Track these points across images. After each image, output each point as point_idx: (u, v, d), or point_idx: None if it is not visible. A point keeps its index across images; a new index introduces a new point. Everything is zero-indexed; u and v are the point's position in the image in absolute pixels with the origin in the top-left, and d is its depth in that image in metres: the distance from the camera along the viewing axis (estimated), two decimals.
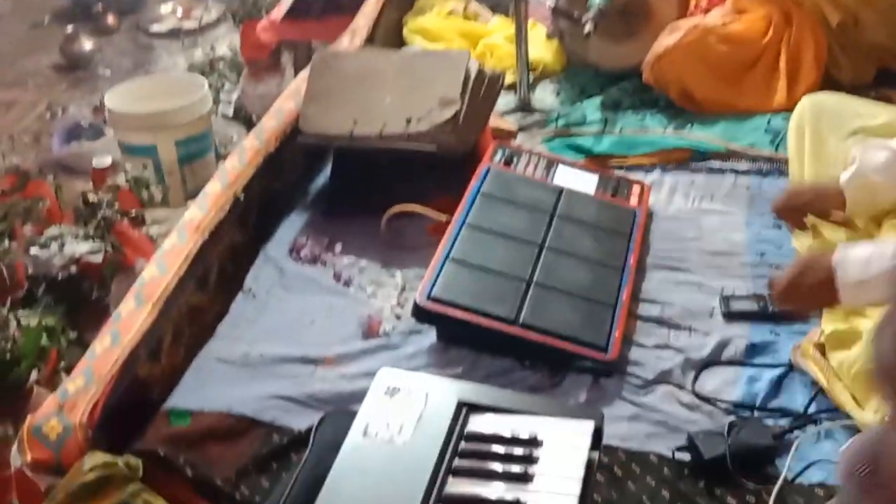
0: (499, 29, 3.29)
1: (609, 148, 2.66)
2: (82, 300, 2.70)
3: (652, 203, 2.40)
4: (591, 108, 2.87)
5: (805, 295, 1.70)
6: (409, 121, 2.40)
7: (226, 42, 4.64)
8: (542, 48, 3.15)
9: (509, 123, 2.83)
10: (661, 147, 2.63)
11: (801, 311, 1.84)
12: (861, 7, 2.74)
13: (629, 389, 1.84)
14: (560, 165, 2.45)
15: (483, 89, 2.51)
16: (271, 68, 3.90)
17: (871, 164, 1.90)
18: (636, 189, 2.40)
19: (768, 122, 2.64)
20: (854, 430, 1.67)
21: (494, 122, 2.70)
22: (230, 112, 3.98)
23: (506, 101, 2.93)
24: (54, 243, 2.73)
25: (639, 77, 2.85)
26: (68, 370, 2.28)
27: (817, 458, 1.64)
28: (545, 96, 3.03)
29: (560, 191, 2.32)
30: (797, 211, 2.00)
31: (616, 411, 1.78)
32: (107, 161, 3.13)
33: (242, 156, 2.41)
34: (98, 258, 2.70)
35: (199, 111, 3.28)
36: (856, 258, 1.66)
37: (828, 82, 2.69)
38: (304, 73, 2.68)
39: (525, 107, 2.95)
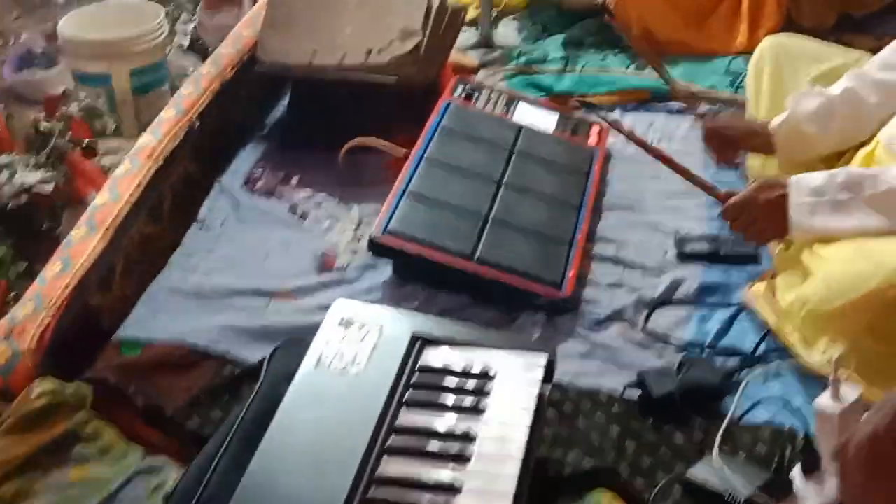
0: None
1: (570, 87, 2.64)
2: (33, 231, 2.66)
3: (611, 143, 2.40)
4: (553, 46, 2.85)
5: (758, 212, 1.72)
6: (369, 52, 2.37)
7: None
8: None
9: (471, 59, 2.80)
10: (622, 87, 2.62)
11: (752, 233, 1.85)
12: None
13: (582, 327, 1.85)
14: (520, 102, 2.43)
15: (445, 22, 2.48)
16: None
17: (802, 111, 1.92)
18: (595, 129, 2.39)
19: (729, 64, 2.65)
20: (802, 370, 1.70)
21: (455, 57, 2.67)
22: (186, 43, 3.90)
23: (467, 36, 2.90)
24: (5, 171, 2.68)
25: (602, 15, 2.83)
26: (17, 301, 2.26)
27: (765, 397, 1.65)
28: (507, 33, 3.00)
29: (520, 128, 2.31)
30: (726, 142, 2.02)
31: (569, 348, 1.79)
32: (60, 89, 3.07)
33: (198, 83, 2.38)
34: (49, 188, 2.65)
35: (155, 40, 3.21)
36: (809, 183, 1.69)
37: (789, 27, 2.68)
38: (263, 1, 2.63)
39: (487, 43, 2.92)
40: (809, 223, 1.70)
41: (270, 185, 2.27)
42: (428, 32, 2.40)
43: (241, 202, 2.21)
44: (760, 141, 1.98)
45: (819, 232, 1.71)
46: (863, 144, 1.92)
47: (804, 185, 1.71)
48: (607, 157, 2.35)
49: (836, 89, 1.94)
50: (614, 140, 2.41)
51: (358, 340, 1.48)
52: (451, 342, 1.51)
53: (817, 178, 1.72)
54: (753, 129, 2.01)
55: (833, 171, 1.76)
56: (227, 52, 2.51)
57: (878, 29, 2.77)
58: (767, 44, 2.18)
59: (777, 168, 2.03)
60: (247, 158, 2.36)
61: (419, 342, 1.50)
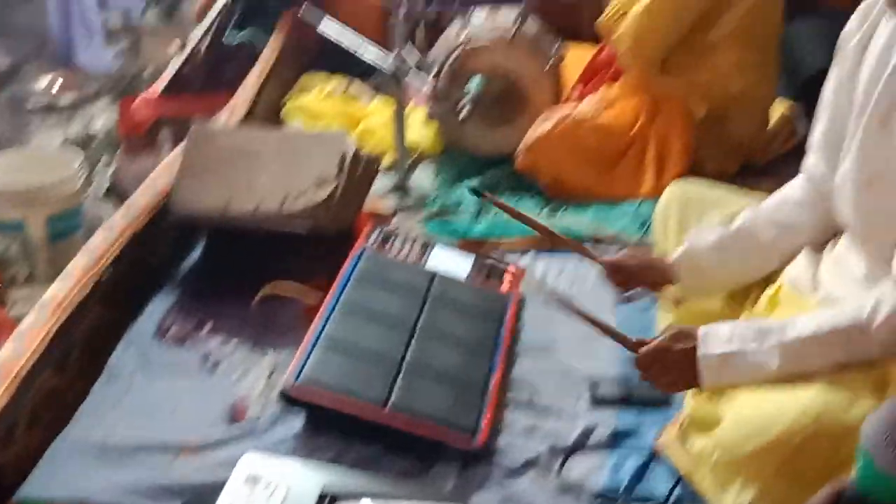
0: (379, 110, 3.31)
1: (483, 231, 2.69)
2: None
3: (524, 288, 2.43)
4: (468, 192, 2.90)
5: (670, 363, 1.73)
6: (284, 200, 2.39)
7: (103, 117, 4.57)
8: (421, 130, 3.19)
9: (386, 205, 2.84)
10: (534, 232, 2.67)
11: (663, 383, 1.86)
12: (727, 102, 2.85)
13: (497, 476, 1.83)
14: (435, 248, 2.46)
15: (360, 170, 2.52)
16: (148, 145, 3.84)
17: (700, 244, 1.97)
18: (509, 274, 2.42)
19: (637, 209, 2.71)
20: None
21: (371, 203, 2.71)
22: (104, 189, 3.90)
23: (384, 182, 2.94)
24: None
25: (515, 161, 2.91)
26: None
27: None
28: (423, 179, 3.06)
29: (434, 274, 2.33)
30: (627, 276, 2.05)
31: (484, 498, 1.77)
32: None
33: (111, 231, 2.36)
34: None
35: (71, 187, 3.21)
36: (719, 335, 1.70)
37: (694, 173, 2.77)
38: (180, 149, 2.65)
39: (403, 189, 2.96)
40: (718, 376, 1.72)
41: (182, 333, 2.24)
42: (343, 180, 2.43)
43: (152, 352, 2.17)
44: (660, 273, 2.02)
45: (729, 383, 1.73)
46: (768, 283, 1.96)
47: (714, 337, 1.72)
48: (521, 302, 2.38)
49: (733, 225, 1.99)
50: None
51: (265, 498, 1.46)
52: (362, 496, 1.49)
53: (726, 329, 1.73)
54: (655, 262, 2.05)
55: (741, 321, 1.79)
56: (141, 199, 2.50)
57: (780, 171, 2.84)
58: (672, 190, 2.24)
59: (688, 318, 2.06)
60: (159, 306, 2.33)
61: (328, 498, 1.47)
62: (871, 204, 1.71)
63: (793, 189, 1.96)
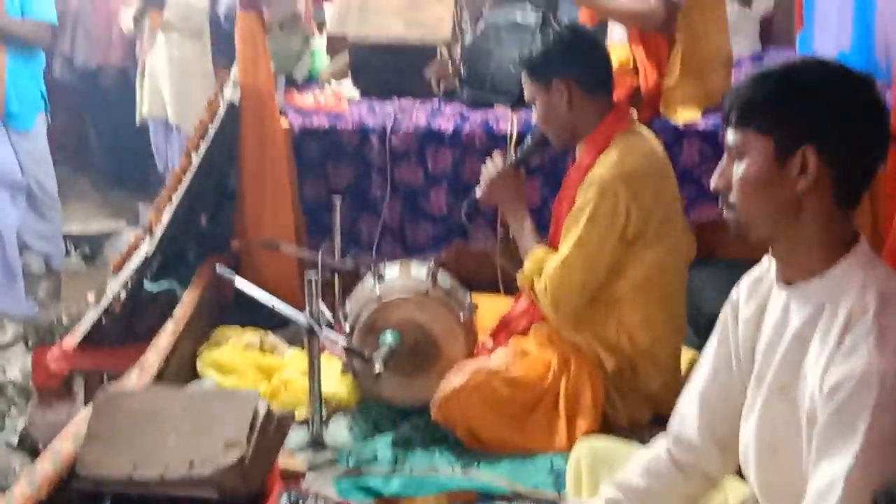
0: (294, 362, 3.31)
1: (398, 489, 2.66)
2: None
3: None
4: (383, 446, 2.88)
5: None
6: (191, 464, 2.35)
7: (17, 365, 4.51)
8: (336, 382, 3.18)
9: (299, 462, 2.80)
10: (450, 487, 2.65)
11: None
12: (636, 355, 2.89)
13: None
14: None
15: (272, 430, 2.50)
16: (62, 396, 3.77)
17: None
18: None
19: (551, 464, 2.71)
20: None
21: (283, 461, 2.67)
22: (15, 440, 3.80)
23: (298, 436, 2.91)
24: None
25: (430, 412, 2.91)
26: None
27: None
28: (338, 431, 3.03)
29: None
30: None
31: None
32: None
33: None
34: None
35: None
36: None
37: (606, 424, 2.80)
38: (86, 413, 2.61)
39: (317, 443, 2.93)
40: None
41: None
42: (253, 442, 2.40)
43: None
44: None
45: None
46: None
47: None
48: None
49: (599, 500, 1.94)
50: None
51: None
52: None
53: None
54: None
55: None
56: (44, 468, 2.42)
57: None
58: (582, 449, 2.23)
59: None
60: None
61: None
62: (773, 470, 1.72)
63: (658, 460, 1.93)
